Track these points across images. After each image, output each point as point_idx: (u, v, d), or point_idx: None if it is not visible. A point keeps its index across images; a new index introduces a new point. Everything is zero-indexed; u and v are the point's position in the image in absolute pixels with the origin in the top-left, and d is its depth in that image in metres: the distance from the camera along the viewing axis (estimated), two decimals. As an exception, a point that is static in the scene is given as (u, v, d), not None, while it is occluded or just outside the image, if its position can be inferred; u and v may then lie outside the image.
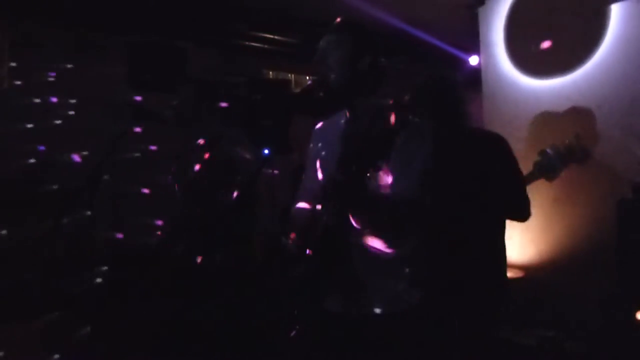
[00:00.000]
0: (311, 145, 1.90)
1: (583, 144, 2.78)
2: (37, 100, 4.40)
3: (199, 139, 2.99)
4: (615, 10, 3.36)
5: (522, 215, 2.36)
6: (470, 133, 2.36)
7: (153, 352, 3.17)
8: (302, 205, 1.85)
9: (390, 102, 1.53)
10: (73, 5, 4.28)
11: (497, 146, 2.32)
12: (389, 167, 1.50)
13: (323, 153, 1.80)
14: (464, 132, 2.32)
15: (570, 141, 2.92)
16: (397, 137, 1.33)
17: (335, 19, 1.75)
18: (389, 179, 1.52)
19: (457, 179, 2.09)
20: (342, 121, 1.75)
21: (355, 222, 1.49)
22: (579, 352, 3.15)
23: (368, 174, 1.36)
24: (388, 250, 1.59)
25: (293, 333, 1.66)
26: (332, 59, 1.66)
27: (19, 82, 4.45)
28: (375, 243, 1.59)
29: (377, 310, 1.59)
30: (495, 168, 2.25)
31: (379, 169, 1.35)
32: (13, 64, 4.53)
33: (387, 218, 1.51)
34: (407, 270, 1.61)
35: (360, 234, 1.57)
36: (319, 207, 1.59)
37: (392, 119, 1.34)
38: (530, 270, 3.63)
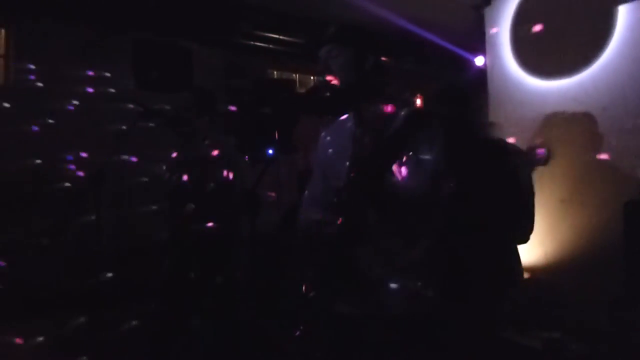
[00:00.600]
0: (318, 150, 1.89)
1: (549, 147, 2.63)
2: (42, 98, 4.41)
3: (196, 146, 3.01)
4: (622, 11, 3.34)
5: (521, 236, 2.24)
6: (484, 142, 2.32)
7: (157, 352, 3.17)
8: (309, 210, 1.84)
9: (405, 103, 1.54)
10: (78, 4, 4.29)
11: (510, 158, 2.27)
12: (402, 167, 1.49)
13: (331, 157, 1.79)
14: (477, 140, 2.29)
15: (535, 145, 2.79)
16: (412, 138, 1.33)
17: (335, 22, 1.74)
18: (401, 179, 1.51)
19: (467, 184, 2.08)
20: (350, 124, 1.75)
21: (371, 220, 1.49)
22: (585, 354, 3.13)
23: (384, 173, 1.37)
24: (400, 251, 1.59)
25: (297, 332, 1.66)
26: (335, 66, 1.66)
27: (24, 80, 4.47)
28: (387, 244, 1.58)
29: (387, 312, 1.59)
30: (506, 179, 2.20)
31: (394, 168, 1.35)
32: (18, 61, 4.56)
33: (401, 216, 1.51)
34: (418, 272, 1.60)
35: (373, 235, 1.56)
36: (328, 210, 1.59)
37: (408, 119, 1.34)
38: (536, 272, 3.62)
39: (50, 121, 4.42)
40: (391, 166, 1.35)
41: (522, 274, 2.36)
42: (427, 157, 1.50)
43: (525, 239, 2.24)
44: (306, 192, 1.91)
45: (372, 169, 1.37)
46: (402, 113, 1.54)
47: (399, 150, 1.33)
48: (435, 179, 1.54)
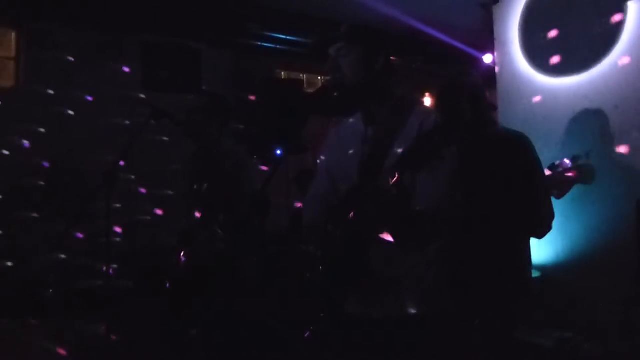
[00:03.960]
0: (323, 151, 1.88)
1: (591, 163, 2.48)
2: (52, 100, 4.45)
3: (207, 152, 3.00)
4: (632, 7, 3.31)
5: (537, 230, 2.19)
6: (491, 135, 2.25)
7: (163, 352, 3.18)
8: (314, 210, 1.84)
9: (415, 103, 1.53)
10: (88, 6, 4.32)
11: (519, 147, 2.19)
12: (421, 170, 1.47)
13: (339, 158, 1.77)
14: (483, 134, 2.24)
15: (584, 161, 2.60)
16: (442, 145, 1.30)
17: (344, 21, 1.73)
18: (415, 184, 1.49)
19: (478, 181, 2.04)
20: (359, 124, 1.73)
21: (381, 229, 1.48)
22: (597, 353, 3.10)
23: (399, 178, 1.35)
24: (410, 253, 1.58)
25: (307, 334, 1.66)
26: (345, 65, 1.65)
27: (33, 82, 4.51)
28: (395, 244, 1.57)
29: (399, 313, 1.58)
30: (515, 171, 2.13)
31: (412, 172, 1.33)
32: (29, 65, 4.59)
33: (414, 227, 1.49)
34: (429, 272, 1.59)
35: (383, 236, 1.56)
36: (335, 210, 1.58)
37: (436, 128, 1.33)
38: (547, 270, 3.59)
39: (60, 123, 4.45)
40: (413, 169, 1.33)
41: (531, 274, 2.33)
42: (445, 160, 1.48)
43: (543, 232, 2.19)
44: (309, 192, 1.90)
45: (395, 171, 1.35)
46: (422, 111, 1.53)
47: (422, 154, 1.30)
48: (453, 182, 1.52)
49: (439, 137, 1.30)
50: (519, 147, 2.20)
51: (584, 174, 2.37)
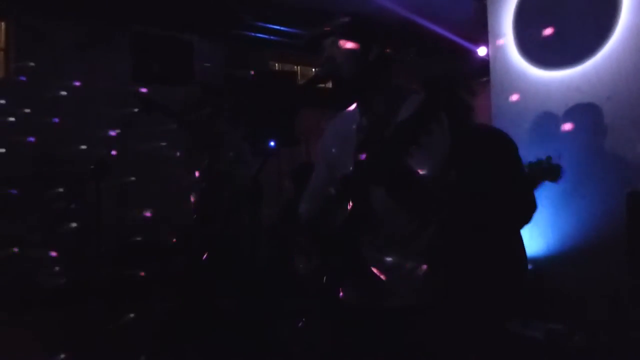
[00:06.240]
0: (321, 143, 1.88)
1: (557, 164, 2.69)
2: (42, 91, 4.41)
3: (202, 141, 2.99)
4: (626, -1, 3.31)
5: (519, 219, 2.27)
6: (475, 129, 2.30)
7: (161, 345, 3.18)
8: (311, 201, 1.84)
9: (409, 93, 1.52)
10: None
11: (501, 144, 2.26)
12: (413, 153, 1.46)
13: (336, 149, 1.78)
14: (468, 128, 2.26)
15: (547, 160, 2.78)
16: (424, 124, 1.29)
17: (338, 13, 1.72)
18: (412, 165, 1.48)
19: (464, 174, 2.05)
20: (355, 115, 1.74)
21: (377, 207, 1.47)
22: (587, 345, 3.13)
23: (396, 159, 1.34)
24: (406, 239, 1.58)
25: (300, 324, 1.66)
26: (339, 56, 1.65)
27: (24, 74, 4.47)
28: (393, 232, 1.57)
29: (393, 303, 1.58)
30: (498, 167, 2.19)
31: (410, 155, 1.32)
32: (19, 55, 4.55)
33: (410, 203, 1.49)
34: (420, 264, 1.60)
35: (378, 223, 1.56)
36: (332, 200, 1.59)
37: (422, 105, 1.31)
38: (538, 263, 3.60)
39: (51, 114, 4.41)
40: (403, 152, 1.33)
41: (527, 265, 2.36)
42: (437, 142, 1.47)
43: (527, 220, 2.27)
44: (309, 185, 1.90)
45: (384, 155, 1.35)
46: (416, 99, 1.52)
47: (412, 135, 1.30)
48: (444, 164, 1.52)
49: (421, 116, 1.30)
50: (500, 140, 2.26)
51: (550, 172, 2.70)
